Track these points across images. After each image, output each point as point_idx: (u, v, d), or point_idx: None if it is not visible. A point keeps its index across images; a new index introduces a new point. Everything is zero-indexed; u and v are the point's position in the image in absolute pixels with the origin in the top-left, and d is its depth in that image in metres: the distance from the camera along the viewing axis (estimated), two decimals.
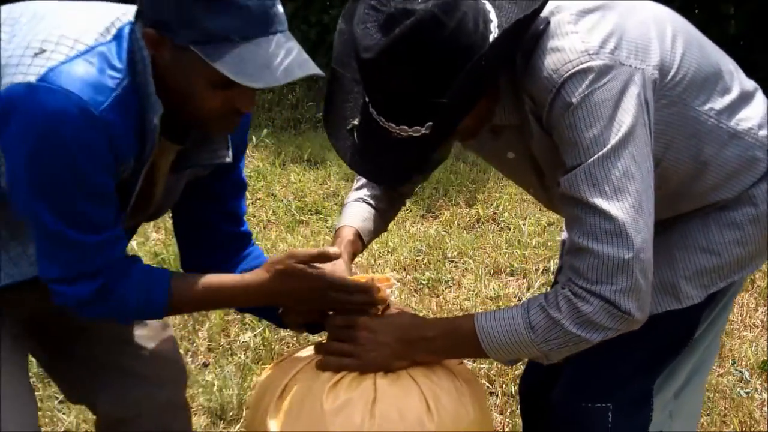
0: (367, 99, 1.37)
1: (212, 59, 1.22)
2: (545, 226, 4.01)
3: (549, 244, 3.80)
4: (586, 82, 1.32)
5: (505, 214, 4.15)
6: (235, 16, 1.23)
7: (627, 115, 1.33)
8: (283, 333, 2.95)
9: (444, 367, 1.51)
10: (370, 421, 1.38)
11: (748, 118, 1.51)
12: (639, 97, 1.35)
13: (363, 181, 1.78)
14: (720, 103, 1.48)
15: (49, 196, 1.29)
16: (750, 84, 1.59)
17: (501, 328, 1.42)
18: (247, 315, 3.05)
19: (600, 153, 1.32)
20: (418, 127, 1.33)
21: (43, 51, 1.28)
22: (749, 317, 3.20)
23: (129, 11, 1.36)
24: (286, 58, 1.26)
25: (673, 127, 1.44)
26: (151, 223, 3.83)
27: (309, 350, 1.56)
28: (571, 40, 1.35)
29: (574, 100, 1.32)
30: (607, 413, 1.58)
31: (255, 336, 2.95)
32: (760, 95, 1.59)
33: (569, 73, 1.32)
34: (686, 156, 1.48)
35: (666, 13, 1.52)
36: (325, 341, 1.55)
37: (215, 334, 2.97)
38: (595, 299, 1.35)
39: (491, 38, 1.34)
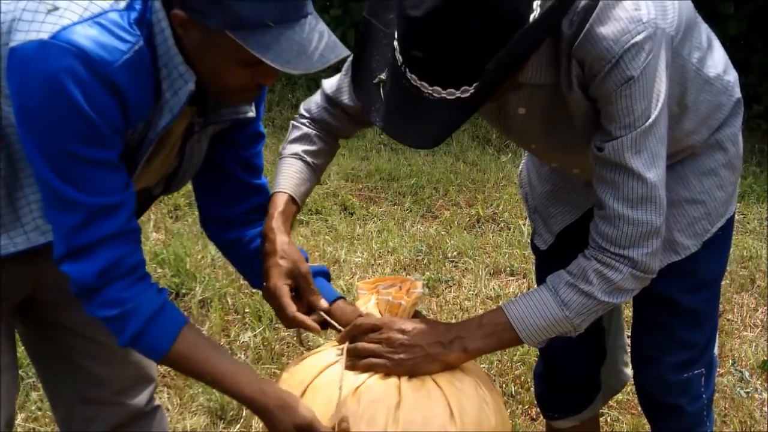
0: (399, 56, 1.32)
1: (250, 45, 1.24)
2: None
3: None
4: (644, 55, 1.35)
5: (505, 214, 4.15)
6: (268, 1, 1.24)
7: (662, 82, 1.41)
8: (284, 333, 2.95)
9: (467, 375, 1.51)
10: (394, 426, 1.38)
11: (715, 64, 1.60)
12: (666, 61, 1.42)
13: (299, 132, 1.70)
14: (698, 51, 1.55)
15: (52, 153, 1.29)
16: (708, 29, 1.63)
17: (535, 314, 1.48)
18: (246, 316, 3.06)
19: (646, 124, 1.40)
20: (452, 90, 1.29)
21: (56, 8, 1.30)
22: (749, 317, 3.21)
23: None
24: (319, 42, 1.29)
25: (669, 76, 1.48)
26: (151, 224, 3.83)
27: (331, 350, 1.54)
28: (626, 8, 1.35)
29: (634, 73, 1.35)
30: (701, 378, 1.78)
31: (255, 336, 2.95)
32: (717, 41, 1.65)
33: (629, 44, 1.34)
34: (673, 102, 1.53)
35: None
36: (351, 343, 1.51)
37: (215, 334, 2.97)
38: (623, 266, 1.46)
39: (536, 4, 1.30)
